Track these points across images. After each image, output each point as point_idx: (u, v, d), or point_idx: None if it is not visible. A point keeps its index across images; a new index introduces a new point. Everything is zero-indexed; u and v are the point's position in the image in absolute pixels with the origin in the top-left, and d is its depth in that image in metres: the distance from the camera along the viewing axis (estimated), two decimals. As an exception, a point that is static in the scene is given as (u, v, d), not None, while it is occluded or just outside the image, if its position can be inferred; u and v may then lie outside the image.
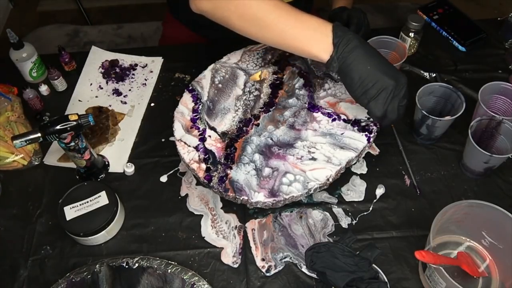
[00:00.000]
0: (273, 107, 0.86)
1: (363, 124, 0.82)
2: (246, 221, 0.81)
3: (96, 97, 1.01)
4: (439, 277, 0.66)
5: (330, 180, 0.77)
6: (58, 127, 0.75)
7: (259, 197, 0.75)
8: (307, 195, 0.77)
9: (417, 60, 1.04)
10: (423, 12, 1.12)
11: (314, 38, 0.71)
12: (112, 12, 2.28)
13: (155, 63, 1.07)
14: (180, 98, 0.88)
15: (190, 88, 0.90)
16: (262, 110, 0.86)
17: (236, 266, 0.76)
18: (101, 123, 0.93)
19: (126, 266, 0.74)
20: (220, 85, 0.90)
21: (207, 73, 0.92)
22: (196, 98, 0.88)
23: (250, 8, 0.73)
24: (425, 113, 0.82)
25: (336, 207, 0.82)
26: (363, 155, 0.84)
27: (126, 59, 1.08)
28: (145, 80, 1.03)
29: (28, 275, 0.77)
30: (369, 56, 0.70)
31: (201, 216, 0.82)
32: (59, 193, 0.80)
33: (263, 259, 0.77)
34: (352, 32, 0.70)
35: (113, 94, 1.01)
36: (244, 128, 0.84)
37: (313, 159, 0.78)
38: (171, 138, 0.92)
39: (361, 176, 0.86)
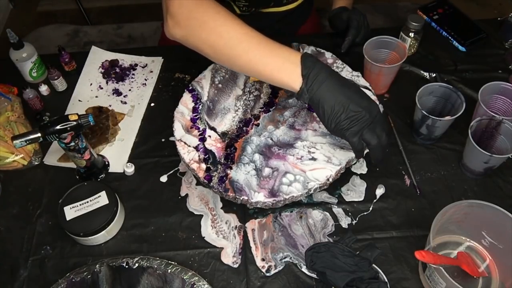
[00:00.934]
0: (273, 107, 0.86)
1: (363, 124, 0.82)
2: (246, 221, 0.81)
3: (96, 97, 1.01)
4: (439, 277, 0.66)
5: (330, 180, 0.77)
6: (58, 127, 0.75)
7: (259, 197, 0.75)
8: (307, 195, 0.77)
9: (417, 60, 1.04)
10: (423, 12, 1.12)
11: (284, 67, 0.70)
12: (112, 12, 2.28)
13: (155, 63, 1.07)
14: (180, 98, 0.88)
15: (190, 88, 0.90)
16: (262, 110, 0.86)
17: (236, 266, 0.76)
18: (101, 123, 0.93)
19: (126, 266, 0.74)
20: (220, 85, 0.90)
21: (207, 73, 0.92)
22: (196, 98, 0.88)
23: (221, 37, 0.71)
24: (425, 113, 0.82)
25: (336, 207, 0.82)
26: (363, 155, 0.84)
27: (126, 59, 1.08)
28: (145, 80, 1.03)
29: (28, 275, 0.77)
30: (340, 86, 0.68)
31: (201, 216, 0.82)
32: (59, 193, 0.80)
33: (263, 259, 0.77)
34: (321, 62, 0.69)
35: (113, 94, 1.01)
36: (244, 128, 0.84)
37: (313, 159, 0.78)
38: (171, 138, 0.92)
39: (361, 176, 0.86)
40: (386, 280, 0.68)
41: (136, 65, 1.06)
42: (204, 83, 0.90)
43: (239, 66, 0.73)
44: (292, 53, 0.70)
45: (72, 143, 0.78)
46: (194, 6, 0.72)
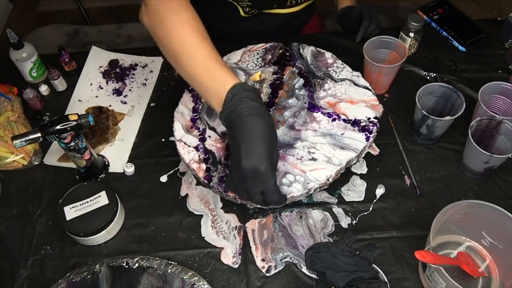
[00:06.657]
0: (273, 107, 0.86)
1: (363, 124, 0.82)
2: (246, 221, 0.81)
3: (96, 97, 1.01)
4: (439, 277, 0.66)
5: (330, 180, 0.77)
6: (58, 127, 0.75)
7: (259, 197, 0.75)
8: (307, 195, 0.77)
9: (417, 60, 1.04)
10: (423, 12, 1.12)
11: (211, 92, 0.70)
12: (112, 12, 2.28)
13: (155, 63, 1.07)
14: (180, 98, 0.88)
15: (190, 88, 0.90)
16: (262, 110, 0.86)
17: (236, 266, 0.76)
18: (101, 123, 0.93)
19: (126, 266, 0.74)
20: (220, 85, 0.90)
21: (207, 73, 0.92)
22: (196, 98, 0.88)
23: (171, 41, 0.72)
24: (425, 113, 0.82)
25: (336, 207, 0.82)
26: (363, 155, 0.84)
27: (126, 59, 1.08)
28: (145, 80, 1.03)
29: (28, 275, 0.77)
30: (247, 130, 0.65)
31: (201, 216, 0.82)
32: (59, 193, 0.80)
33: (263, 260, 0.77)
34: (248, 99, 0.66)
35: (113, 94, 1.01)
36: (244, 128, 0.83)
37: (313, 159, 0.78)
38: (171, 138, 0.92)
39: (361, 176, 0.86)
40: (386, 280, 0.68)
41: (136, 65, 1.06)
42: (204, 83, 0.90)
43: (183, 75, 0.74)
44: (222, 80, 0.69)
45: (72, 143, 0.78)
46: (161, 0, 0.73)
